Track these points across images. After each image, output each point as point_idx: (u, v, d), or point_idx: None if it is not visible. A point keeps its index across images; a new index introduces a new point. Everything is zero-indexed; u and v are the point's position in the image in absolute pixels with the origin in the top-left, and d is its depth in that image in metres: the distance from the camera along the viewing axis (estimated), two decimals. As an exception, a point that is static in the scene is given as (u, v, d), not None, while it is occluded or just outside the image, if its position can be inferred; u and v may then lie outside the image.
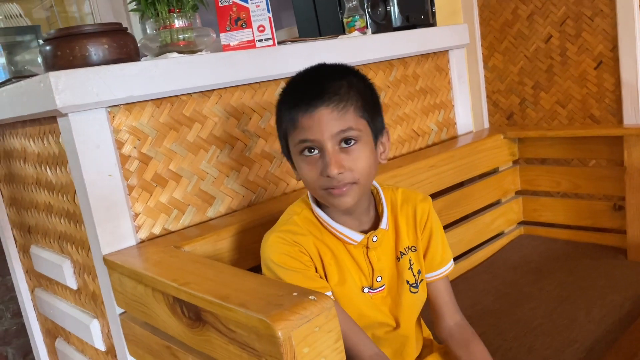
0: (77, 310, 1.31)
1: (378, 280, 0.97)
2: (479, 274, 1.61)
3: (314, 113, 0.84)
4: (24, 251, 1.57)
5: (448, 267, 1.04)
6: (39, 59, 1.08)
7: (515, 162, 1.86)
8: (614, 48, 1.70)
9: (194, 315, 0.81)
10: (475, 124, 2.08)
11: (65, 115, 1.01)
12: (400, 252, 0.99)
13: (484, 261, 1.71)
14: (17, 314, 2.23)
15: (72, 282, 1.27)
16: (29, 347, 2.25)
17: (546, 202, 1.82)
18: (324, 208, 0.95)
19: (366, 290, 0.97)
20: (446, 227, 1.63)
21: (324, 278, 0.93)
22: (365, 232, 0.96)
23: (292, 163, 0.95)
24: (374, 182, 0.98)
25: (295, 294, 0.71)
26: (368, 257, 0.96)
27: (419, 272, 1.01)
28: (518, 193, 1.88)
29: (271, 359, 0.67)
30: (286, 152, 0.95)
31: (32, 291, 1.61)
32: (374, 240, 0.95)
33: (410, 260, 1.00)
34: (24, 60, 3.32)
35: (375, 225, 0.98)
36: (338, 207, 0.89)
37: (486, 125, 2.08)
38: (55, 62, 1.02)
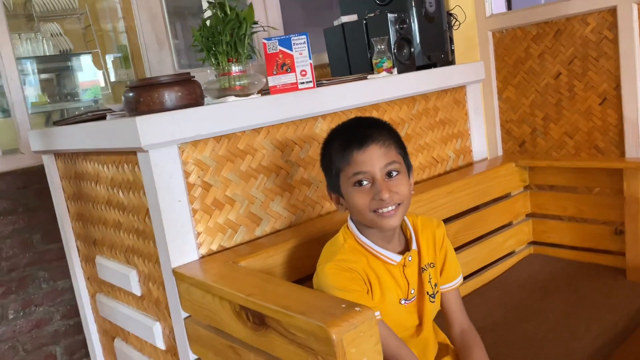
0: (140, 314, 1.51)
1: (412, 293, 1.18)
2: (492, 290, 1.78)
3: (367, 150, 1.07)
4: (87, 260, 1.78)
5: (458, 280, 1.27)
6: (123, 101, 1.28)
7: (526, 188, 2.04)
8: (617, 87, 1.87)
9: (259, 320, 1.00)
10: (490, 151, 2.25)
11: (146, 151, 1.21)
12: (422, 268, 1.20)
13: (496, 278, 1.88)
14: (66, 316, 2.44)
15: (137, 290, 1.47)
16: (75, 347, 2.48)
17: (554, 224, 1.99)
18: (366, 235, 1.15)
19: (403, 301, 1.17)
20: (462, 247, 1.81)
21: (372, 298, 1.12)
22: (400, 253, 1.16)
23: (337, 197, 1.16)
24: None
25: (343, 306, 0.90)
26: (405, 274, 1.16)
27: (436, 285, 1.22)
28: (528, 216, 2.05)
29: (326, 357, 0.86)
30: (334, 188, 1.14)
31: (92, 296, 1.81)
32: (409, 259, 1.16)
33: (429, 274, 1.20)
34: (71, 83, 3.54)
35: (405, 246, 1.18)
36: (386, 227, 1.09)
37: (500, 152, 2.25)
38: (138, 107, 1.23)
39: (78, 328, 2.45)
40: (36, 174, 2.31)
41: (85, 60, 4.07)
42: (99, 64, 4.16)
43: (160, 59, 2.78)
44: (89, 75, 3.99)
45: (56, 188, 1.79)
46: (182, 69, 3.03)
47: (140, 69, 4.10)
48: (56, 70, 3.64)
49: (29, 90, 3.48)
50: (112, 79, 4.21)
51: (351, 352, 0.85)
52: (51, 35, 4.35)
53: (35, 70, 3.53)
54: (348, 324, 0.85)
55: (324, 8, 3.70)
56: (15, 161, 2.26)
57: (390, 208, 1.07)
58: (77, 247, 1.82)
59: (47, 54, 3.64)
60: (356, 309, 0.88)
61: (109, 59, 4.27)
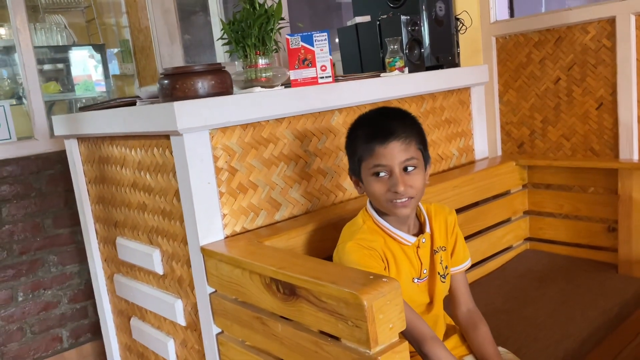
0: (161, 292, 1.58)
1: (424, 272, 1.27)
2: (492, 280, 1.88)
3: (388, 145, 1.15)
4: (105, 242, 1.85)
5: (467, 264, 1.37)
6: (156, 89, 1.36)
7: (524, 186, 2.14)
8: (614, 92, 1.98)
9: (289, 291, 1.08)
10: (490, 151, 2.35)
11: (181, 135, 1.29)
12: (435, 250, 1.29)
13: (495, 270, 1.98)
14: (73, 300, 2.50)
15: (159, 269, 1.55)
16: (81, 330, 2.54)
17: (550, 221, 2.09)
18: (384, 218, 1.23)
19: (416, 280, 1.26)
20: (464, 239, 1.90)
21: (388, 274, 1.20)
22: (415, 235, 1.24)
23: (356, 180, 1.24)
24: None
25: (371, 277, 0.99)
26: (418, 255, 1.25)
27: (446, 267, 1.31)
28: (526, 213, 2.16)
29: (356, 321, 0.94)
30: (355, 172, 1.23)
31: (109, 277, 1.88)
32: (423, 241, 1.25)
33: (441, 257, 1.30)
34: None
35: (419, 229, 1.28)
36: (399, 215, 1.18)
37: (499, 152, 2.36)
38: (173, 93, 1.31)
39: (84, 312, 2.51)
40: (49, 160, 2.38)
41: (88, 53, 4.11)
42: (103, 57, 4.21)
43: (172, 53, 2.86)
44: (83, 70, 4.02)
45: (77, 172, 1.86)
46: (190, 64, 3.11)
47: (142, 64, 4.17)
48: (66, 60, 3.69)
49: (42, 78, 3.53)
50: (113, 73, 4.26)
51: (379, 318, 0.94)
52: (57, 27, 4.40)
53: (47, 60, 3.59)
54: (377, 292, 0.94)
55: (331, 10, 3.80)
56: (29, 147, 2.32)
57: (404, 199, 1.16)
58: (96, 230, 1.88)
59: (61, 44, 3.70)
60: (383, 279, 0.97)
61: (112, 52, 4.33)
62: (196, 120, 1.29)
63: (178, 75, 1.32)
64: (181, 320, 1.51)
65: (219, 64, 1.39)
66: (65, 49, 3.71)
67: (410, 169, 1.17)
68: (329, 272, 1.04)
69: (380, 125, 1.18)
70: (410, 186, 1.15)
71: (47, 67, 3.68)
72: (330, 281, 0.99)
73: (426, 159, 1.23)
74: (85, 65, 3.99)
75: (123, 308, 1.84)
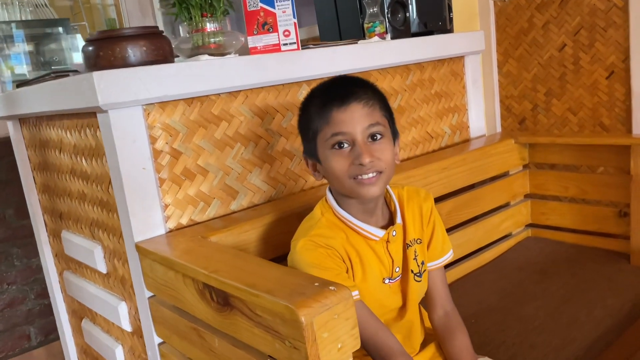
0: (106, 293, 1.39)
1: (397, 271, 1.06)
2: (487, 273, 1.68)
3: (348, 108, 0.94)
4: (54, 235, 1.66)
5: (447, 257, 1.14)
6: (82, 58, 1.15)
7: (525, 167, 1.92)
8: (626, 59, 1.75)
9: (222, 300, 0.88)
10: (488, 128, 2.13)
11: (105, 111, 1.09)
12: (407, 243, 1.08)
13: (492, 261, 1.77)
14: (41, 295, 2.34)
15: (102, 267, 1.36)
16: (50, 327, 2.37)
17: (554, 206, 1.87)
18: (345, 208, 1.02)
19: (387, 281, 1.05)
20: (456, 227, 1.69)
21: (352, 277, 1.00)
22: (383, 227, 1.03)
23: (313, 163, 1.03)
24: None
25: (316, 284, 0.79)
26: (388, 251, 1.04)
27: (422, 263, 1.10)
28: (527, 196, 1.94)
29: (294, 342, 0.75)
30: (310, 152, 1.02)
31: (60, 274, 1.70)
32: (394, 234, 1.04)
33: (415, 251, 1.09)
34: (50, 51, 3.44)
35: (389, 221, 1.07)
36: (366, 196, 0.96)
37: (498, 129, 2.13)
38: (97, 62, 1.10)
39: (54, 308, 2.35)
40: (8, 145, 2.19)
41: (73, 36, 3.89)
42: (86, 37, 4.01)
43: (144, 28, 2.64)
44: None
45: (22, 158, 1.67)
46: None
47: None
48: (36, 38, 3.47)
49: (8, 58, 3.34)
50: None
51: (323, 337, 0.74)
52: (36, 6, 4.19)
53: (13, 37, 3.37)
54: (320, 305, 0.74)
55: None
56: (-13, 132, 2.13)
57: (370, 175, 0.95)
58: (45, 222, 1.70)
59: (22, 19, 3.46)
60: (330, 288, 0.77)
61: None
62: (123, 93, 1.08)
63: (102, 41, 1.11)
64: (126, 325, 1.32)
65: (155, 27, 1.18)
66: (30, 24, 3.48)
67: (377, 137, 0.96)
68: (269, 278, 0.84)
69: (337, 89, 0.98)
70: (378, 158, 0.95)
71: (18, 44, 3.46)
72: (265, 290, 0.79)
73: (394, 132, 1.02)
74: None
75: (76, 308, 1.67)
